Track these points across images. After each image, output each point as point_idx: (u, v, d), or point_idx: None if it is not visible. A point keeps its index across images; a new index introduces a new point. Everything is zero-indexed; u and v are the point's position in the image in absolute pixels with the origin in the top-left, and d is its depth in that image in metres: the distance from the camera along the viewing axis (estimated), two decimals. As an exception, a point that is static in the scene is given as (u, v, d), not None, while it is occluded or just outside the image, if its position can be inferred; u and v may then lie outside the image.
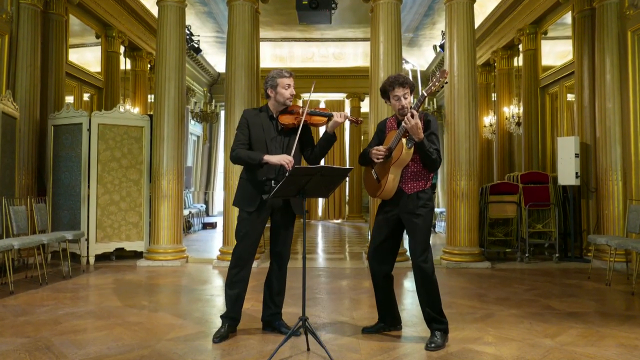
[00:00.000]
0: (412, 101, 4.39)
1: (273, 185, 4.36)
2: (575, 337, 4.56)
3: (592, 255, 8.03)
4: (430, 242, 4.46)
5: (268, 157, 4.33)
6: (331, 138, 4.53)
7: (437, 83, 4.17)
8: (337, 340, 4.47)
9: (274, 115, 4.57)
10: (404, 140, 4.24)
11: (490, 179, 13.92)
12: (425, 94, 4.16)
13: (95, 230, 8.50)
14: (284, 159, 4.29)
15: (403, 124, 4.19)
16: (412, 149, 4.25)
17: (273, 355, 3.91)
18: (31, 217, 7.58)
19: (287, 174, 3.94)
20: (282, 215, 4.56)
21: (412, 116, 4.11)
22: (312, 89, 4.68)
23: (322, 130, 4.66)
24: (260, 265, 8.00)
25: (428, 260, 4.32)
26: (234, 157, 4.48)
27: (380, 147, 4.41)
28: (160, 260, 8.46)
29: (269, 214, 4.55)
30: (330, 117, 4.48)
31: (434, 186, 14.60)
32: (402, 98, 4.36)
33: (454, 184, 8.38)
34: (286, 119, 4.50)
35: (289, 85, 4.50)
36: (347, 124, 18.98)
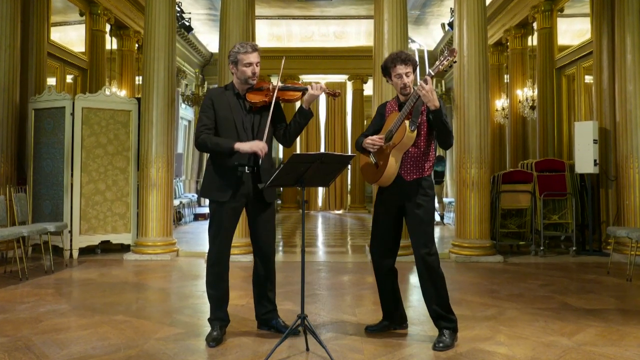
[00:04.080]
0: (414, 81, 4.33)
1: (247, 170, 4.31)
2: (593, 336, 4.54)
3: (612, 248, 7.98)
4: (437, 234, 4.43)
5: (239, 146, 4.22)
6: (308, 114, 4.45)
7: (445, 62, 4.08)
8: (339, 339, 4.45)
9: (241, 94, 4.45)
10: (406, 122, 4.20)
11: (502, 166, 13.88)
12: (432, 73, 4.10)
13: (79, 221, 8.46)
14: (256, 146, 4.22)
15: (417, 91, 4.11)
16: (415, 132, 4.21)
17: (270, 355, 3.89)
18: (10, 207, 7.54)
19: (285, 163, 3.88)
20: (257, 205, 4.46)
21: (426, 82, 4.05)
22: (282, 65, 4.60)
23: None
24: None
25: (433, 252, 4.31)
26: (199, 144, 4.35)
27: (375, 137, 4.38)
28: (149, 253, 8.44)
29: (244, 204, 4.45)
30: (304, 91, 4.41)
31: (441, 174, 14.57)
32: (404, 76, 4.31)
33: (463, 173, 8.34)
34: (255, 97, 4.38)
35: (250, 63, 4.33)
36: (349, 106, 18.95)
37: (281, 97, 4.41)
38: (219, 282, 4.44)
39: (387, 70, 4.41)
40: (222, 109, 4.40)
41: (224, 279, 4.46)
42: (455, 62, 4.18)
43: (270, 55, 10.64)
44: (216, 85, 9.31)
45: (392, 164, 4.28)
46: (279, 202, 18.79)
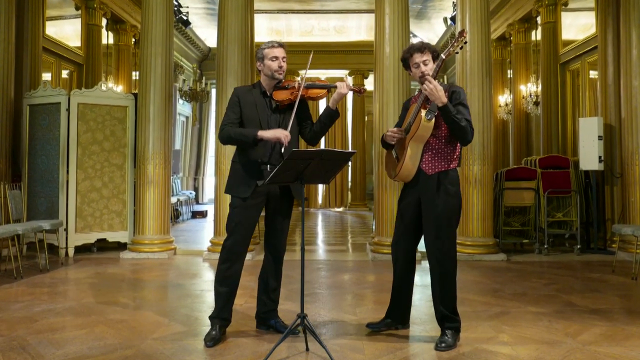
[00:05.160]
0: (434, 68, 4.32)
1: (269, 169, 4.32)
2: (598, 336, 4.53)
3: (617, 246, 7.97)
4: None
5: (262, 133, 4.26)
6: (334, 114, 4.45)
7: (455, 44, 4.20)
8: (339, 339, 4.44)
9: (268, 92, 4.49)
10: (422, 112, 4.20)
11: (505, 163, 13.88)
12: (444, 57, 4.18)
13: (74, 219, 8.43)
14: (279, 133, 4.24)
15: (422, 91, 4.17)
16: (433, 121, 4.19)
17: (269, 355, 3.88)
18: (5, 205, 7.53)
19: (284, 158, 3.87)
20: (279, 202, 4.49)
21: (430, 81, 4.10)
22: (310, 61, 4.59)
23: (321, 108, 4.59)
24: (255, 258, 7.98)
25: (448, 252, 4.28)
26: (223, 136, 4.43)
27: (394, 129, 4.43)
28: (146, 252, 8.42)
29: (264, 202, 4.48)
30: (330, 89, 4.42)
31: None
32: (422, 64, 4.32)
33: (466, 169, 8.32)
34: (281, 95, 4.42)
35: (277, 57, 4.40)
36: (349, 102, 18.93)
37: (306, 94, 4.42)
38: (228, 279, 4.42)
39: (405, 61, 4.45)
40: (247, 107, 4.46)
41: (234, 276, 4.44)
42: (465, 42, 4.22)
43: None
44: (214, 81, 9.31)
45: (410, 157, 4.27)
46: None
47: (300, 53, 8.37)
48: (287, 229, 4.62)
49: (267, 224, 4.58)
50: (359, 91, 4.55)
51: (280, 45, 4.46)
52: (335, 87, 4.39)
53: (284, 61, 4.44)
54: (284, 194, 4.49)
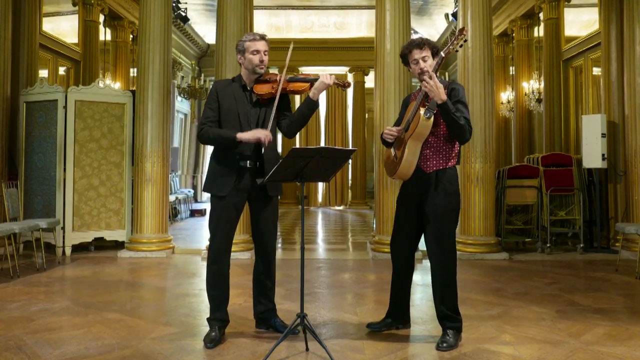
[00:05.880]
0: (433, 65, 4.30)
1: (248, 165, 4.30)
2: (601, 335, 4.53)
3: (621, 245, 7.95)
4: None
5: (241, 135, 4.21)
6: (313, 104, 4.36)
7: (455, 42, 4.17)
8: (339, 339, 4.44)
9: (248, 86, 4.44)
10: (421, 110, 4.19)
11: (507, 161, 13.87)
12: (443, 55, 4.18)
13: (71, 217, 8.43)
14: (259, 134, 4.20)
15: (422, 88, 4.17)
16: (432, 119, 4.18)
17: (268, 355, 3.88)
18: (1, 203, 7.52)
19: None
20: (261, 200, 4.45)
21: (430, 77, 4.09)
22: (290, 52, 4.49)
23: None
24: (253, 257, 7.95)
25: (447, 251, 4.29)
26: (201, 137, 4.38)
27: (392, 127, 4.41)
28: (144, 251, 8.42)
29: (245, 200, 4.44)
30: (313, 82, 4.34)
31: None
32: (421, 61, 4.30)
33: (467, 167, 8.32)
34: (262, 89, 4.35)
35: (258, 51, 4.33)
36: (350, 99, 18.92)
37: (288, 88, 4.36)
38: (219, 281, 4.40)
39: (405, 57, 4.42)
40: (226, 100, 4.40)
41: (224, 277, 4.42)
42: (465, 40, 4.21)
43: (270, 47, 10.57)
44: (213, 78, 9.30)
45: (409, 155, 4.26)
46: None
47: (301, 50, 8.38)
48: (272, 227, 4.56)
49: (252, 223, 4.54)
50: (343, 85, 4.48)
51: (262, 38, 4.39)
52: (318, 79, 4.32)
53: (265, 55, 4.38)
54: (266, 191, 4.42)
